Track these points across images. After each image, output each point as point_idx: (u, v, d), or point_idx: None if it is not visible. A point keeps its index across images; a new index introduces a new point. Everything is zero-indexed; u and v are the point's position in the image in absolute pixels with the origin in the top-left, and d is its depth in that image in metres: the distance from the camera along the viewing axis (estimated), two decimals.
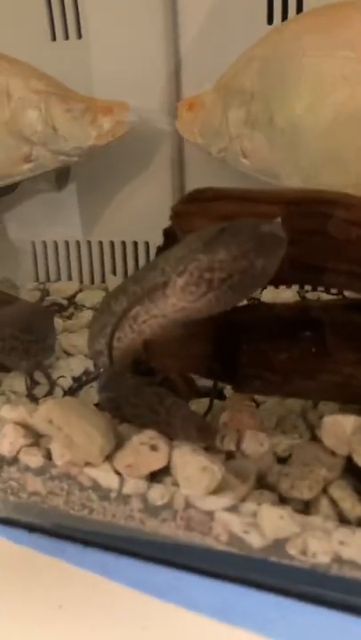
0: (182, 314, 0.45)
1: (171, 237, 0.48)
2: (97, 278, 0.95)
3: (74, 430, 0.48)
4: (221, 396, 0.57)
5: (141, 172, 0.87)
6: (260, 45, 0.67)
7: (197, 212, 0.46)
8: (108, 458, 0.48)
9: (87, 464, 0.48)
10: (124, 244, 0.93)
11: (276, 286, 0.70)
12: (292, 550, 0.43)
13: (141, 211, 0.89)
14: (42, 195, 0.94)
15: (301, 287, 0.76)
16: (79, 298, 0.90)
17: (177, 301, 0.44)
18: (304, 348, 0.44)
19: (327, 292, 0.72)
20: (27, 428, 0.51)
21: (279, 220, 0.38)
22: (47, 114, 0.77)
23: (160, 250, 0.49)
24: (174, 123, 0.80)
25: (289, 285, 0.67)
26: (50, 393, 0.64)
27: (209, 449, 0.47)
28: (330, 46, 0.63)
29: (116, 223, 0.93)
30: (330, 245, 0.43)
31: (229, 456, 0.49)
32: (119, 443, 0.48)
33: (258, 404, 0.56)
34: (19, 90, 0.77)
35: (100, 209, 0.93)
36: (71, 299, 0.90)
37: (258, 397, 0.57)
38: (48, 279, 0.98)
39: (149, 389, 0.47)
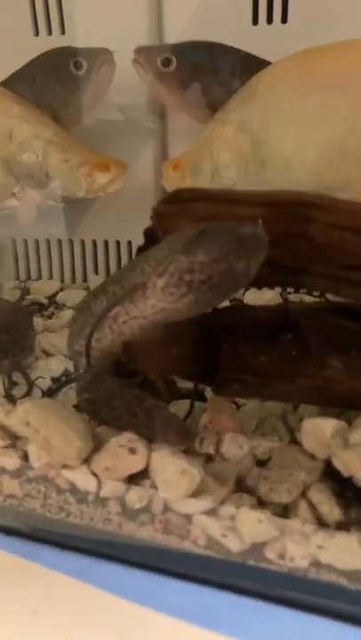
0: (162, 315, 0.44)
1: (151, 237, 0.47)
2: (78, 277, 0.95)
3: (51, 432, 0.47)
4: (202, 398, 0.56)
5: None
6: (241, 101, 0.69)
7: (178, 213, 0.46)
8: (86, 460, 0.47)
9: (65, 466, 0.47)
10: (106, 242, 0.93)
11: (259, 287, 0.70)
12: (271, 554, 0.43)
13: (124, 210, 0.89)
14: None
15: (284, 289, 0.76)
16: (60, 297, 0.89)
17: (157, 302, 0.43)
18: (284, 350, 0.44)
19: (309, 293, 0.72)
20: (3, 429, 0.50)
21: (260, 222, 0.38)
22: (44, 161, 0.78)
23: (140, 250, 0.49)
24: (158, 121, 0.80)
25: (271, 287, 0.67)
26: (28, 394, 0.63)
27: (188, 452, 0.47)
28: (305, 89, 0.66)
29: (98, 222, 0.92)
30: (311, 248, 0.43)
31: (209, 459, 0.49)
32: (97, 445, 0.48)
33: (238, 406, 0.56)
34: (22, 134, 0.78)
35: (83, 208, 0.92)
36: (52, 298, 0.89)
37: (238, 399, 0.56)
38: (29, 278, 0.97)
39: (128, 391, 0.46)
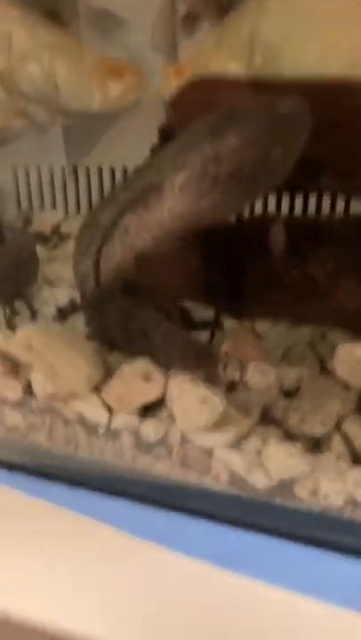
0: (180, 222, 0.38)
1: (168, 135, 0.41)
2: (83, 207, 0.88)
3: (57, 358, 0.43)
4: (220, 328, 0.51)
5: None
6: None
7: (200, 101, 0.39)
8: (96, 389, 0.43)
9: (72, 396, 0.43)
10: (112, 170, 0.86)
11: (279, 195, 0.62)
12: (301, 491, 0.39)
13: (132, 134, 0.82)
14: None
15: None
16: (64, 228, 0.83)
17: (175, 205, 0.37)
18: (319, 265, 0.38)
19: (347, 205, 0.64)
20: (3, 356, 0.46)
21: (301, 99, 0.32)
22: (50, 70, 0.69)
23: (154, 151, 0.43)
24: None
25: (304, 191, 0.58)
26: (31, 322, 0.58)
27: (209, 380, 0.42)
28: None
29: (105, 147, 0.85)
30: (351, 142, 0.36)
31: (230, 388, 0.44)
32: (108, 373, 0.43)
33: (261, 336, 0.51)
34: (22, 40, 0.69)
35: (88, 132, 0.85)
36: (56, 229, 0.83)
37: (260, 329, 0.51)
38: (31, 208, 0.91)
39: (143, 313, 0.41)
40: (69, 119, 0.74)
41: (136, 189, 0.40)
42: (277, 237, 0.39)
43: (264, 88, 0.38)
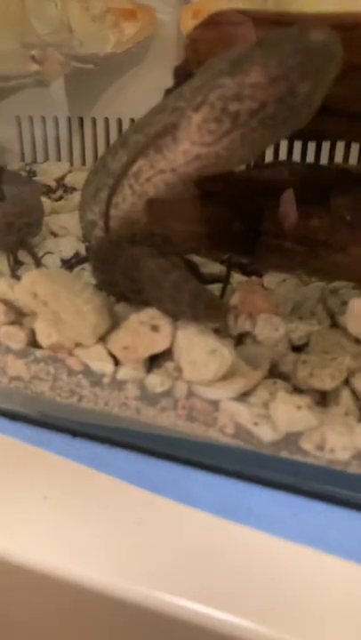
0: (196, 165, 0.36)
1: (184, 77, 0.39)
2: (89, 159, 0.86)
3: (62, 306, 0.41)
4: (228, 283, 0.50)
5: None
6: None
7: (219, 39, 0.37)
8: (102, 339, 0.42)
9: (77, 345, 0.42)
10: (120, 121, 0.83)
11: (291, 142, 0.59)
12: (308, 445, 0.38)
13: (141, 84, 0.79)
14: None
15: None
16: (69, 180, 0.81)
17: (191, 146, 0.35)
18: (337, 215, 0.37)
19: None
20: (7, 304, 0.45)
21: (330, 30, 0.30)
22: (63, 12, 0.68)
23: (169, 92, 0.41)
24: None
25: (327, 139, 0.56)
26: None
27: (218, 331, 0.41)
28: None
29: (111, 98, 0.82)
30: None
31: (239, 342, 0.43)
32: (115, 323, 0.42)
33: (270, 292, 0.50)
34: None
35: (94, 80, 0.82)
36: (60, 180, 0.81)
37: (268, 285, 0.50)
38: (35, 159, 0.88)
39: (152, 261, 0.40)
40: (82, 65, 0.73)
41: (149, 132, 0.38)
42: (288, 207, 0.37)
43: (289, 22, 0.36)
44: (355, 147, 0.58)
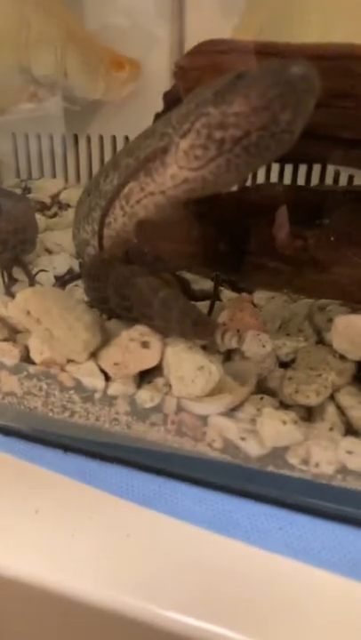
0: (184, 188, 0.38)
1: (173, 102, 0.40)
2: (83, 176, 0.87)
3: (55, 323, 0.42)
4: (218, 299, 0.52)
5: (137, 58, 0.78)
6: None
7: (207, 67, 0.39)
8: (93, 355, 0.43)
9: (69, 361, 0.43)
10: (114, 139, 0.85)
11: (282, 165, 0.62)
12: (293, 459, 0.39)
13: (133, 103, 0.81)
14: None
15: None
16: (64, 196, 0.82)
17: (178, 170, 0.37)
18: (321, 236, 0.38)
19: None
20: (1, 321, 0.46)
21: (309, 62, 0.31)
22: (62, 58, 0.72)
23: (159, 116, 0.42)
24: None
25: (309, 162, 0.58)
26: None
27: (206, 348, 0.42)
28: None
29: (106, 116, 0.84)
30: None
31: (227, 358, 0.44)
32: (106, 339, 0.43)
33: (258, 308, 0.51)
34: (39, 26, 0.71)
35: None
36: (55, 197, 0.83)
37: (258, 302, 0.51)
38: (30, 176, 0.90)
39: (142, 279, 0.41)
40: (72, 105, 0.78)
41: (139, 155, 0.40)
42: (281, 222, 0.39)
43: (274, 52, 0.37)
44: (344, 168, 0.60)
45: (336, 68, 0.36)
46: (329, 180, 0.64)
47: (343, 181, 0.63)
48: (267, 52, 0.37)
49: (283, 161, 0.49)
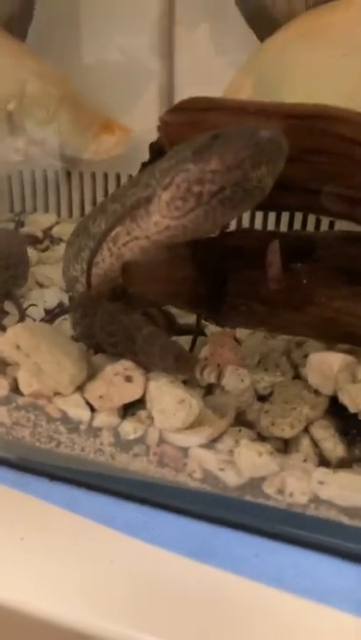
0: (166, 234, 0.41)
1: (157, 151, 0.44)
2: (76, 211, 0.90)
3: (43, 357, 0.45)
4: (203, 334, 0.54)
5: (128, 100, 0.82)
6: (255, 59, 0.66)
7: (188, 123, 0.42)
8: (80, 388, 0.45)
9: (56, 394, 0.45)
10: (106, 175, 0.88)
11: (265, 212, 0.65)
12: (269, 489, 0.41)
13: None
14: None
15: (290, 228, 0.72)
16: (56, 231, 0.85)
17: (161, 219, 0.40)
18: (294, 278, 0.41)
19: (318, 221, 0.68)
20: None
21: (279, 127, 0.35)
22: (55, 119, 0.76)
23: (145, 165, 0.45)
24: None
25: (281, 210, 0.62)
26: (20, 322, 0.60)
27: (187, 382, 0.44)
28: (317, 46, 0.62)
29: None
30: (331, 167, 0.39)
31: (208, 392, 0.47)
32: (92, 373, 0.46)
33: (239, 343, 0.53)
34: (34, 88, 0.75)
35: None
36: (47, 231, 0.85)
37: (240, 336, 0.54)
38: (23, 210, 0.93)
39: (127, 317, 0.43)
40: (61, 164, 0.82)
41: (125, 203, 0.43)
42: (274, 256, 0.41)
43: (250, 111, 0.41)
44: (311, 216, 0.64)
45: (307, 127, 0.39)
46: (311, 225, 0.68)
47: (325, 226, 0.67)
48: (245, 110, 0.41)
49: (259, 209, 0.52)
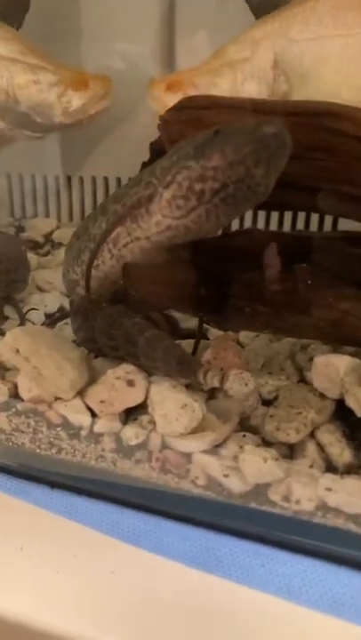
0: (167, 234, 0.40)
1: (158, 151, 0.43)
2: (76, 216, 0.90)
3: (43, 362, 0.44)
4: (206, 338, 0.53)
5: (128, 101, 0.81)
6: (269, 25, 0.61)
7: (189, 121, 0.41)
8: (80, 393, 0.44)
9: (57, 399, 0.44)
10: (106, 179, 0.88)
11: (267, 212, 0.63)
12: (275, 496, 0.40)
13: (125, 144, 0.83)
14: None
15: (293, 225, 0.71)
16: (56, 235, 0.85)
17: (162, 218, 0.39)
18: (299, 280, 0.40)
19: (321, 219, 0.66)
20: None
21: (281, 123, 0.34)
22: (9, 83, 0.68)
23: (145, 165, 0.44)
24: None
25: (284, 209, 0.60)
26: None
27: (190, 387, 0.43)
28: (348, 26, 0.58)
29: (98, 157, 0.87)
30: (333, 164, 0.38)
31: (211, 396, 0.46)
32: (93, 378, 0.45)
33: (243, 347, 0.52)
34: None
35: (82, 141, 0.86)
36: (48, 236, 0.85)
37: (243, 340, 0.53)
38: (24, 215, 0.92)
39: (128, 320, 0.42)
40: (32, 133, 0.74)
41: (126, 202, 0.42)
42: (272, 257, 0.41)
43: (252, 109, 0.40)
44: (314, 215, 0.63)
45: (310, 124, 0.38)
46: (314, 225, 0.67)
47: (327, 226, 0.66)
48: (245, 107, 0.40)
49: (261, 208, 0.51)
